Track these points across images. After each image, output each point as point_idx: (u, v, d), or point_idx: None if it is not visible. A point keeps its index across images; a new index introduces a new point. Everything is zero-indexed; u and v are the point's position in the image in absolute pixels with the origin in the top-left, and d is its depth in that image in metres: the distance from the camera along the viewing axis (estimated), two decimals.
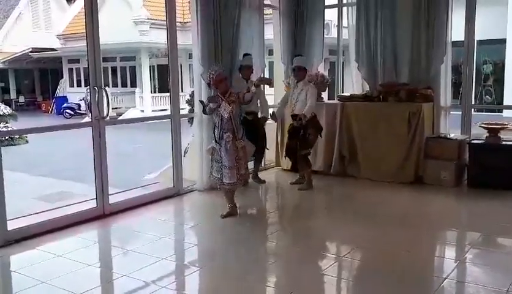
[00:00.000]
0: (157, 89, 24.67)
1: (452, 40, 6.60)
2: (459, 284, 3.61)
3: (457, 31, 6.62)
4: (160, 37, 18.11)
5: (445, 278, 3.59)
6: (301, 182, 6.39)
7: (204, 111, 5.15)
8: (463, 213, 5.54)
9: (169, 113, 5.98)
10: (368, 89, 7.12)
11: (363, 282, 3.72)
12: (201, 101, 5.27)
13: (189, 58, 20.79)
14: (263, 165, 7.34)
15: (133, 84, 24.79)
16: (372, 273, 3.78)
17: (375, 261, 4.01)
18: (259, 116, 6.53)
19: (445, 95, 6.79)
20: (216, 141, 4.99)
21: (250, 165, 6.54)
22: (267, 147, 6.76)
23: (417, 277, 3.67)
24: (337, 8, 7.90)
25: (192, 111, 10.37)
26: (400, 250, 4.22)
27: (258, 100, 6.50)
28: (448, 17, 6.52)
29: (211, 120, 5.41)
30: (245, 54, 6.33)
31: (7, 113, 15.08)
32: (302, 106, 6.00)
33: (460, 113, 6.84)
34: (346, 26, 7.57)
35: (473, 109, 7.01)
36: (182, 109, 6.80)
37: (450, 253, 4.45)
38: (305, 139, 6.04)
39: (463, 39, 6.69)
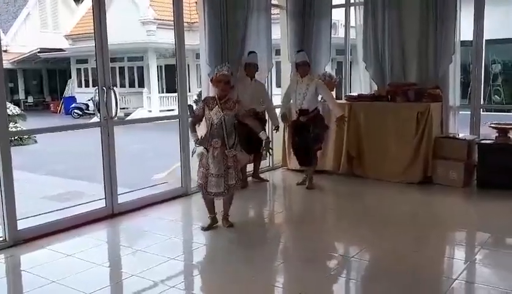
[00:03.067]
0: (164, 89, 24.70)
1: (461, 39, 6.57)
2: (469, 285, 3.60)
3: (465, 31, 6.59)
4: (167, 37, 18.15)
5: (455, 280, 3.57)
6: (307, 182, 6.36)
7: (191, 116, 4.80)
8: (472, 213, 5.51)
9: (177, 113, 5.99)
10: (376, 89, 7.10)
11: (372, 283, 3.71)
12: (189, 106, 4.92)
13: (196, 58, 20.84)
14: (270, 165, 7.35)
15: (141, 85, 24.83)
16: (381, 274, 3.77)
17: (384, 262, 3.99)
18: (260, 114, 6.23)
19: (454, 95, 6.77)
20: (204, 147, 4.64)
21: (249, 167, 6.52)
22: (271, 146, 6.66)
23: (426, 278, 3.65)
24: (344, 8, 7.88)
25: None
26: (409, 250, 4.20)
27: (261, 100, 6.28)
28: (457, 16, 6.49)
29: None
30: (250, 52, 6.27)
31: (16, 113, 15.22)
32: (312, 100, 5.98)
33: (469, 112, 6.81)
34: (353, 25, 7.56)
35: (481, 109, 6.98)
36: None
37: (460, 254, 4.42)
38: (316, 135, 6.03)
39: (471, 39, 6.66)
